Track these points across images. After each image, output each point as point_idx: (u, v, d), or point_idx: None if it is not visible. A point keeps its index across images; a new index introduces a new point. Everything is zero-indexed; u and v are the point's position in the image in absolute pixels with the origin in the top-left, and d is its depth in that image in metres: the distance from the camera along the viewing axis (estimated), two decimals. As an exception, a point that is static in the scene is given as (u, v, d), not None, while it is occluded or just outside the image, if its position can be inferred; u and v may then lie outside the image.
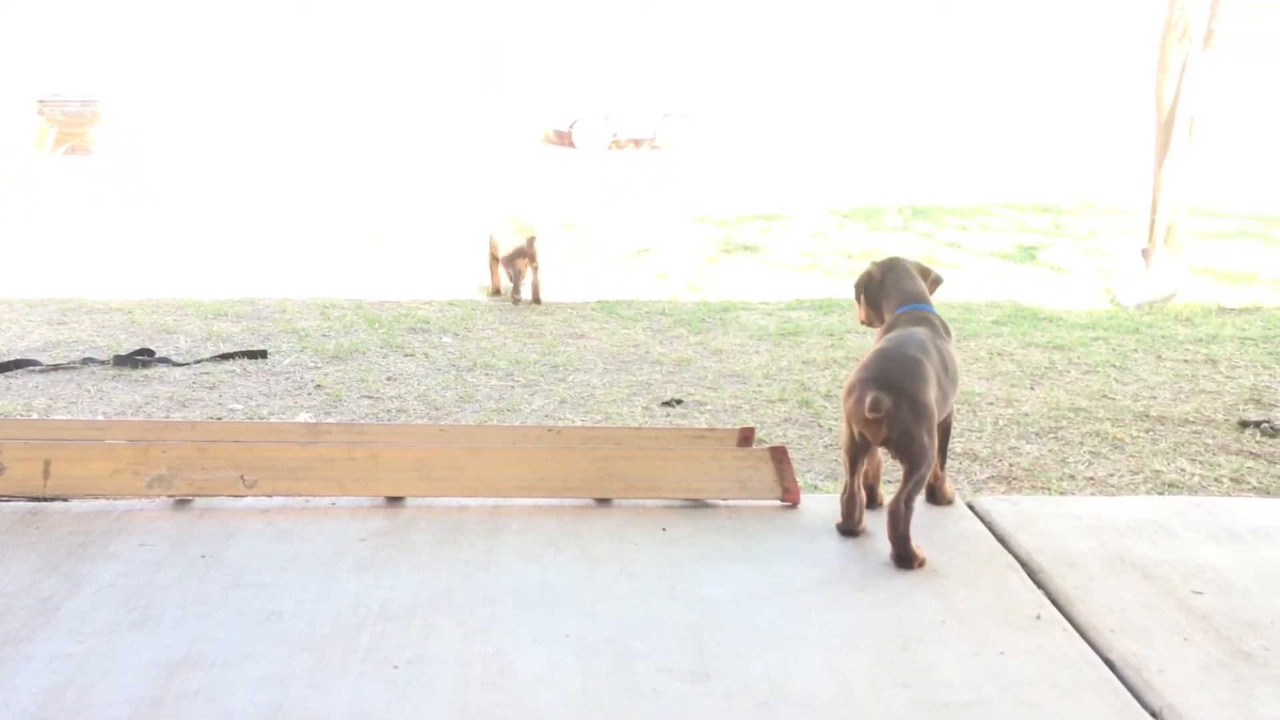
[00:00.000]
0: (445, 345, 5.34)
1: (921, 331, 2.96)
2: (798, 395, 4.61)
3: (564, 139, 18.00)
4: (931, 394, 2.81)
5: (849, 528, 2.94)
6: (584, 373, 4.93)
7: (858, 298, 3.26)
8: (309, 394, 4.54)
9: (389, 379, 4.76)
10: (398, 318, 5.84)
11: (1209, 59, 6.81)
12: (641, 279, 7.07)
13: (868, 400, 2.72)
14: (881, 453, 3.00)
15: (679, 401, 4.52)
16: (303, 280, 6.86)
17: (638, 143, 18.12)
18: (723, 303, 6.46)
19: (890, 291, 3.14)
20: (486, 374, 4.87)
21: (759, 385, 4.78)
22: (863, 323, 3.26)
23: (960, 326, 5.85)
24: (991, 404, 4.53)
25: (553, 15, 18.28)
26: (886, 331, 3.05)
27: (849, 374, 2.94)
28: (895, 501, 2.76)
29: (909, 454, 2.77)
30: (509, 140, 17.55)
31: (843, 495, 2.95)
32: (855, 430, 2.82)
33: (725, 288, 6.84)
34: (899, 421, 2.74)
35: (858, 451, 2.87)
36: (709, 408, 4.46)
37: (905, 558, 2.74)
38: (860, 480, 2.94)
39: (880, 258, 3.35)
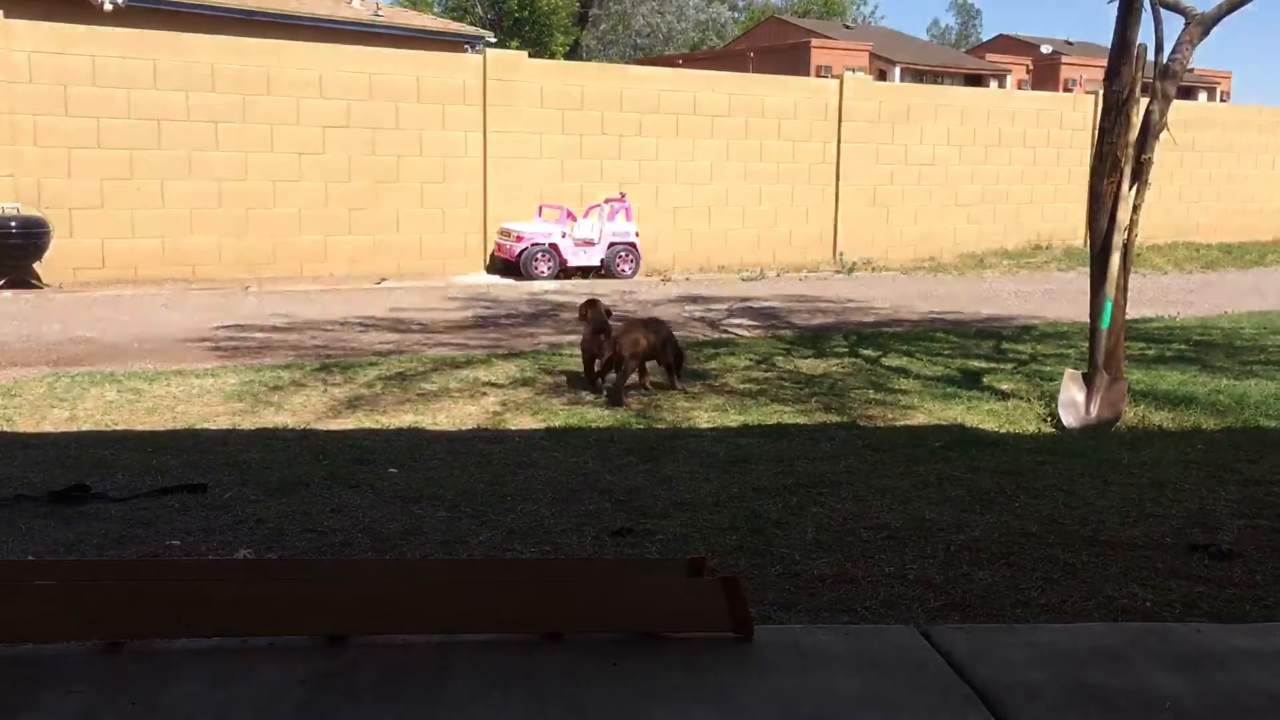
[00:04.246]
0: (391, 477, 5.27)
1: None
2: (749, 523, 4.59)
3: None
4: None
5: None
6: (533, 502, 4.88)
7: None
8: (250, 528, 4.44)
9: (333, 511, 4.67)
10: (343, 449, 5.77)
11: (1138, 190, 7.08)
12: (589, 407, 7.07)
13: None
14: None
15: (629, 531, 4.47)
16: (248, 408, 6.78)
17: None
18: (672, 429, 6.47)
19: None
20: (433, 505, 4.80)
21: (710, 513, 4.75)
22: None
23: (909, 452, 5.90)
24: (943, 530, 4.54)
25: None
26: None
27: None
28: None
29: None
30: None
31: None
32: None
33: (674, 414, 6.86)
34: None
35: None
36: (659, 537, 4.42)
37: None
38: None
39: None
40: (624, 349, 7.33)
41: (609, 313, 7.73)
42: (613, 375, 7.41)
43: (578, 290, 13.85)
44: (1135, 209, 7.03)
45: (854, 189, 18.45)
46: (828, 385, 7.86)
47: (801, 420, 6.75)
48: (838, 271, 17.50)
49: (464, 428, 6.46)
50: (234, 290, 13.25)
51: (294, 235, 14.49)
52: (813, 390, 7.68)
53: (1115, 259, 6.99)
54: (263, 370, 7.91)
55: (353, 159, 14.68)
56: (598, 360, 7.54)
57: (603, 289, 14.22)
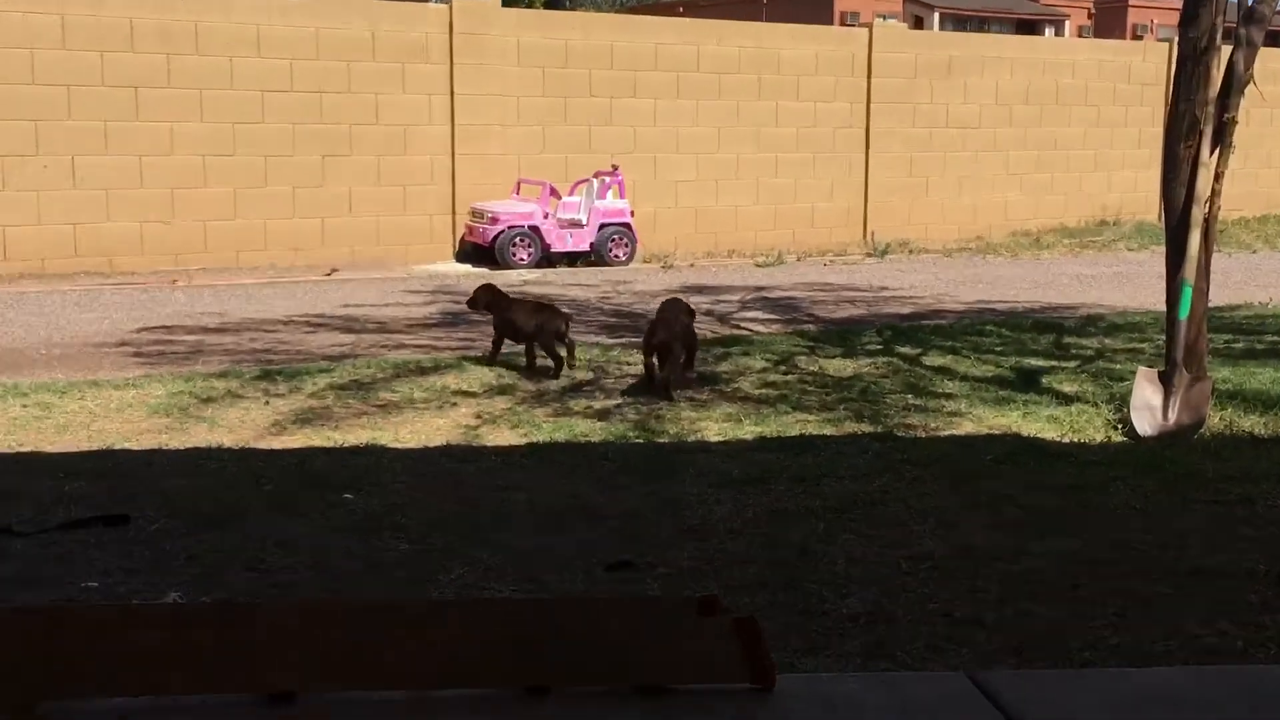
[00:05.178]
0: (346, 503, 5.26)
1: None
2: (768, 554, 4.59)
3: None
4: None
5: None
6: (513, 532, 4.88)
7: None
8: (180, 566, 4.44)
9: (277, 545, 4.67)
10: (288, 471, 5.77)
11: (1221, 155, 7.06)
12: (578, 418, 7.06)
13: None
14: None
15: (627, 564, 4.47)
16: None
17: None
18: (676, 443, 6.47)
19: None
20: (395, 537, 4.80)
21: (722, 542, 4.76)
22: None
23: (954, 466, 5.90)
24: (996, 559, 4.54)
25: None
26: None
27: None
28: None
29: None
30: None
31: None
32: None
33: (679, 425, 6.86)
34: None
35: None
36: (663, 571, 4.43)
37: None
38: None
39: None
40: (671, 336, 7.61)
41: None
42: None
43: (562, 280, 13.87)
44: (1218, 177, 7.02)
45: (887, 157, 18.46)
46: (858, 389, 7.87)
47: (828, 431, 6.75)
48: (868, 254, 17.52)
49: (431, 445, 6.46)
50: (158, 285, 13.25)
51: (228, 219, 14.46)
52: (841, 396, 7.69)
53: (1195, 236, 6.99)
54: (193, 380, 7.91)
55: (297, 128, 14.66)
56: (559, 343, 8.21)
57: (593, 278, 14.23)
